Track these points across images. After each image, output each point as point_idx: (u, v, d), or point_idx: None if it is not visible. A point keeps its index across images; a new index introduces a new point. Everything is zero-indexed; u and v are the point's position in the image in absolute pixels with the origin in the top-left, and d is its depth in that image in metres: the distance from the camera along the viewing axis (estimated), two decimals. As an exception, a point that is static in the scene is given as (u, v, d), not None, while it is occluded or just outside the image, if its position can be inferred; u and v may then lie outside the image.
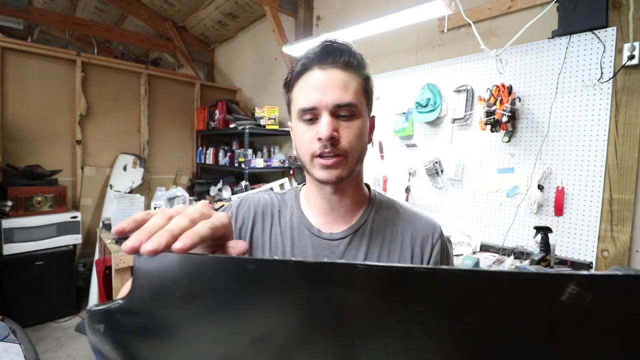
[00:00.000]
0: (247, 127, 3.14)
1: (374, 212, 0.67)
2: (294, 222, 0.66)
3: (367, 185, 0.71)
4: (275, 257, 0.25)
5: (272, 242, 0.65)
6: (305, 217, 0.67)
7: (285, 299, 0.26)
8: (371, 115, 0.65)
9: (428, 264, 0.64)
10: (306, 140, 0.58)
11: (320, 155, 0.57)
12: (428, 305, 0.23)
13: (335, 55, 0.57)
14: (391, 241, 0.65)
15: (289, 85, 0.62)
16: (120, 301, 0.28)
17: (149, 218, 0.30)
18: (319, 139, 0.56)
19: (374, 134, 0.67)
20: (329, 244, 0.64)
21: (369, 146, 0.66)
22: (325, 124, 0.55)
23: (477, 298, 0.22)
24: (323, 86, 0.56)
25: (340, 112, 0.57)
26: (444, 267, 0.22)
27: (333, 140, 0.56)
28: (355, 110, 0.58)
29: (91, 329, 0.28)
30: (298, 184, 0.74)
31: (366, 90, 0.61)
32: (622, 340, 0.20)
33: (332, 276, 0.24)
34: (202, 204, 0.33)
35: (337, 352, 0.25)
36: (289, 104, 0.64)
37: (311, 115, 0.57)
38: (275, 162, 3.33)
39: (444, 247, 0.67)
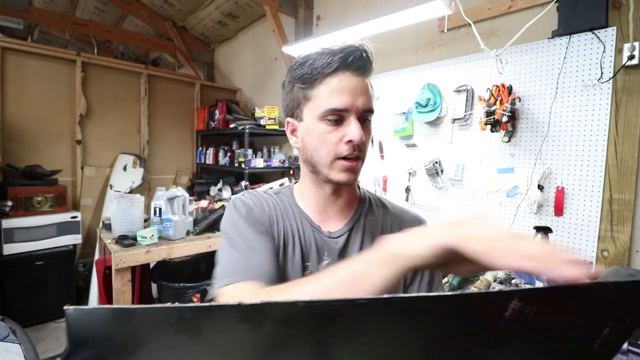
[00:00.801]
0: (247, 127, 3.14)
1: (366, 210, 0.71)
2: (297, 218, 0.68)
3: (357, 184, 0.74)
4: (211, 303, 0.25)
5: (285, 236, 0.66)
6: (305, 213, 0.69)
7: (229, 344, 0.25)
8: None
9: None
10: (331, 141, 0.59)
11: (344, 158, 0.59)
12: (373, 334, 0.22)
13: (363, 62, 0.59)
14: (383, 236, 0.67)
15: (309, 82, 0.59)
16: None
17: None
18: (349, 141, 0.58)
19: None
20: (329, 241, 0.67)
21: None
22: (357, 127, 0.57)
23: (423, 323, 0.21)
24: (355, 90, 0.58)
25: (363, 117, 0.60)
26: (386, 296, 0.21)
27: (361, 144, 0.59)
28: (371, 117, 0.62)
29: None
30: None
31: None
32: (568, 346, 0.20)
33: (272, 316, 0.23)
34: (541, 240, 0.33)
35: None
36: (303, 100, 0.61)
37: (338, 117, 0.58)
38: (275, 162, 3.33)
39: None
